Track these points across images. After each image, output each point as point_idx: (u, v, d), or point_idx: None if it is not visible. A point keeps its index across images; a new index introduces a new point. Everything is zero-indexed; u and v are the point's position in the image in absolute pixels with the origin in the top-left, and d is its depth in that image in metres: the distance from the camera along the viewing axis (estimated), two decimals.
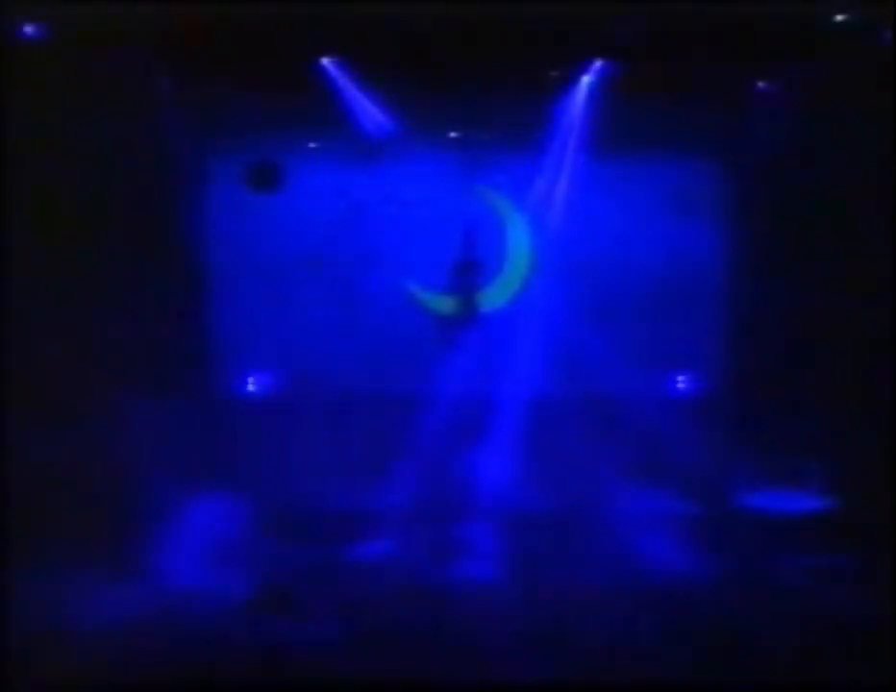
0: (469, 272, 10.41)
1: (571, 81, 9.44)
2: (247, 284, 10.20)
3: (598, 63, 9.16)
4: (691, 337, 10.38)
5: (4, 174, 7.26)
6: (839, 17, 8.07)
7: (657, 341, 10.19)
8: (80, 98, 8.29)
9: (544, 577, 7.18)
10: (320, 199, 10.22)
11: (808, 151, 9.25)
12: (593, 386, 10.01)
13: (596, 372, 9.91)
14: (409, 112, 9.54)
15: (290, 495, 9.18)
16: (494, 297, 10.58)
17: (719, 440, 9.62)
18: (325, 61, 8.99)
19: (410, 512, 8.77)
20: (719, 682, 5.43)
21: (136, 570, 7.18)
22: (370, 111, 9.53)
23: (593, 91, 9.38)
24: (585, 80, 9.41)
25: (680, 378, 10.38)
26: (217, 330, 10.18)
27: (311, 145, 10.11)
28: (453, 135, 10.18)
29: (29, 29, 7.85)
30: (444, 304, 10.51)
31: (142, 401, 8.90)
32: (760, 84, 9.48)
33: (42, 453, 7.81)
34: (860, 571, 7.15)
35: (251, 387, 10.28)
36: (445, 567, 7.40)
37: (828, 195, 9.19)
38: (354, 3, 7.66)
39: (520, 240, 10.62)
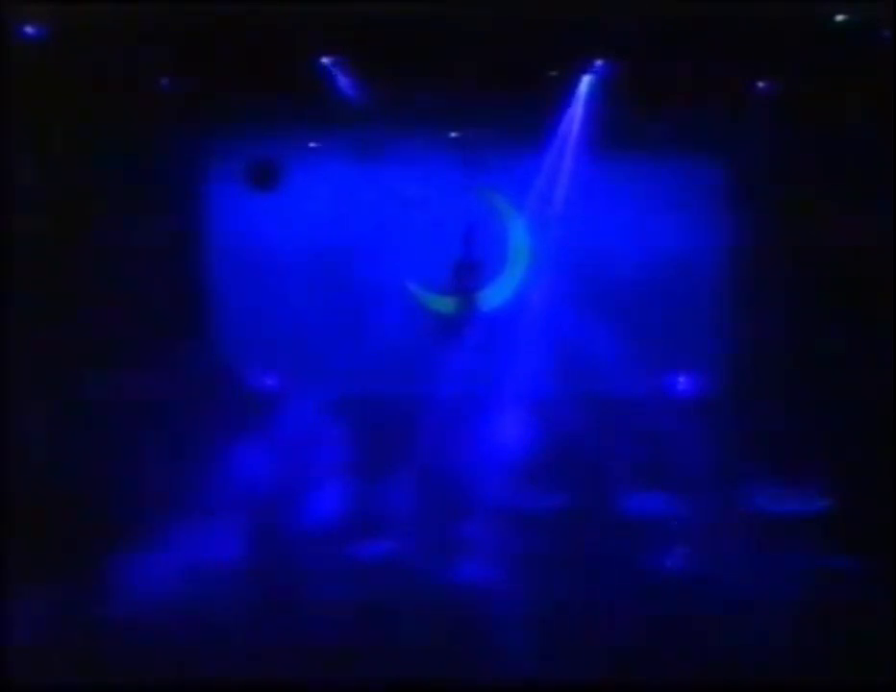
0: (469, 272, 10.42)
1: (571, 81, 9.45)
2: (246, 284, 10.21)
3: (598, 63, 9.17)
4: (692, 337, 10.38)
5: (4, 173, 7.25)
6: (839, 17, 8.08)
7: (657, 341, 10.17)
8: (80, 98, 8.30)
9: (545, 576, 7.17)
10: (320, 198, 10.22)
11: (808, 151, 9.25)
12: (594, 386, 10.00)
13: (597, 371, 9.91)
14: (408, 112, 9.54)
15: (290, 495, 9.17)
16: (494, 297, 10.58)
17: (719, 440, 9.61)
18: (325, 60, 8.99)
19: (411, 513, 8.77)
20: (719, 683, 5.44)
21: (134, 569, 7.18)
22: (370, 111, 9.53)
23: (593, 91, 9.39)
24: (586, 80, 9.42)
25: (681, 377, 10.39)
26: (216, 328, 10.18)
27: (311, 145, 10.11)
28: (453, 135, 10.18)
29: (29, 29, 7.86)
30: (444, 304, 10.51)
31: (140, 400, 8.92)
32: (760, 84, 9.49)
33: (40, 454, 7.82)
34: (860, 571, 7.15)
35: (250, 387, 10.27)
36: (447, 567, 7.40)
37: (828, 195, 9.20)
38: (354, 3, 7.67)
39: (520, 240, 10.62)
